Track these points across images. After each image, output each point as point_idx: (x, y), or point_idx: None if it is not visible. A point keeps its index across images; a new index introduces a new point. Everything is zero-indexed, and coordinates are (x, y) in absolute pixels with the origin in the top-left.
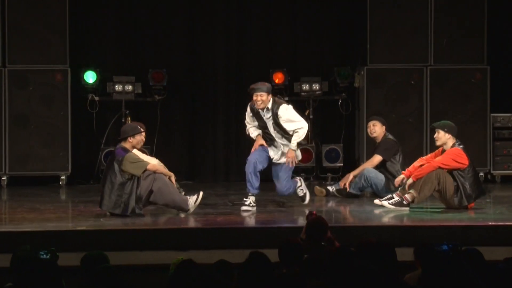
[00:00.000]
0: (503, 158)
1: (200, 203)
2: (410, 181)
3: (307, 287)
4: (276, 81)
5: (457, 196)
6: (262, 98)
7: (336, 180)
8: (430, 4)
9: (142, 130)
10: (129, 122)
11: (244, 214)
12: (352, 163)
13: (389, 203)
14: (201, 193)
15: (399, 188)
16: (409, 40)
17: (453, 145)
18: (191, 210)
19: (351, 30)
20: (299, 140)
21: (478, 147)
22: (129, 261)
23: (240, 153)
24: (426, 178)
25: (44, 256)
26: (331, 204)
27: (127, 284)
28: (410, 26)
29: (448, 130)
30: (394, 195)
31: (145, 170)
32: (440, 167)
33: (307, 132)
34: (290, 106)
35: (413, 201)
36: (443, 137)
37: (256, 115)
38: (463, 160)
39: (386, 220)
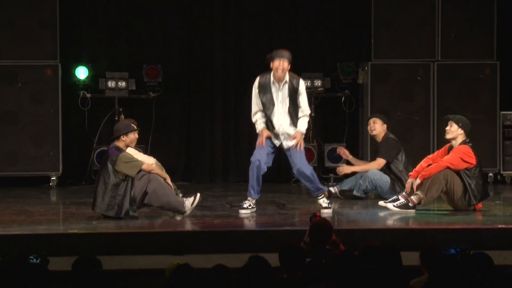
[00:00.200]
0: None
1: (197, 205)
2: (417, 181)
3: None
4: None
5: (465, 197)
6: (284, 65)
7: (338, 181)
8: None
9: (135, 127)
10: (123, 120)
11: (243, 216)
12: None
13: (394, 206)
14: (198, 194)
15: (405, 190)
16: (415, 34)
17: (462, 142)
18: (188, 212)
19: (354, 24)
20: (305, 126)
21: (487, 146)
22: (122, 265)
23: (239, 153)
24: (433, 178)
25: (34, 260)
26: (334, 206)
27: None
28: (416, 20)
29: (462, 126)
30: (399, 197)
31: (140, 170)
32: (448, 167)
33: (307, 131)
34: None
35: (419, 203)
36: (455, 132)
37: (264, 89)
38: (471, 160)
39: (391, 222)
